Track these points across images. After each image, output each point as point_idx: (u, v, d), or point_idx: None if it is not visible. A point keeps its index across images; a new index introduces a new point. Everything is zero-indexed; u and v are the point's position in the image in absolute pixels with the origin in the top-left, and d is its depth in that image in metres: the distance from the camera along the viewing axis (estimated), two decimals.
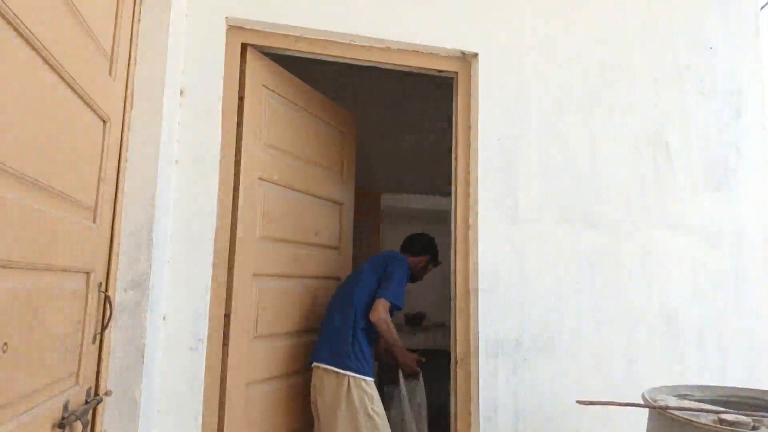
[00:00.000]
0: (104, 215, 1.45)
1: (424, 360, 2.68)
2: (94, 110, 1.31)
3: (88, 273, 1.36)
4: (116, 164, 1.53)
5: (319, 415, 2.33)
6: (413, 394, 2.61)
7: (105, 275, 1.56)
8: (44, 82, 1.05)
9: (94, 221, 1.39)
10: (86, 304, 1.36)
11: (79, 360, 1.33)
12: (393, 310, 2.43)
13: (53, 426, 1.17)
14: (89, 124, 1.30)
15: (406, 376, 2.62)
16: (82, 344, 1.34)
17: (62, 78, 1.12)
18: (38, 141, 1.03)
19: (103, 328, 1.47)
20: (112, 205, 1.56)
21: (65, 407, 1.22)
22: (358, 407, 2.23)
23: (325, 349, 2.35)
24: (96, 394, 1.45)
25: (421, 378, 2.65)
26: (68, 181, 1.18)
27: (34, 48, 0.99)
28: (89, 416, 1.34)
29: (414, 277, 2.73)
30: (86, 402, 1.34)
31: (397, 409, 2.57)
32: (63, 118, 1.14)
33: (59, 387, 1.21)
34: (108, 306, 1.48)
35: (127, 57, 1.57)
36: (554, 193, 2.35)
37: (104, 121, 1.40)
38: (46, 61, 1.04)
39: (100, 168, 1.39)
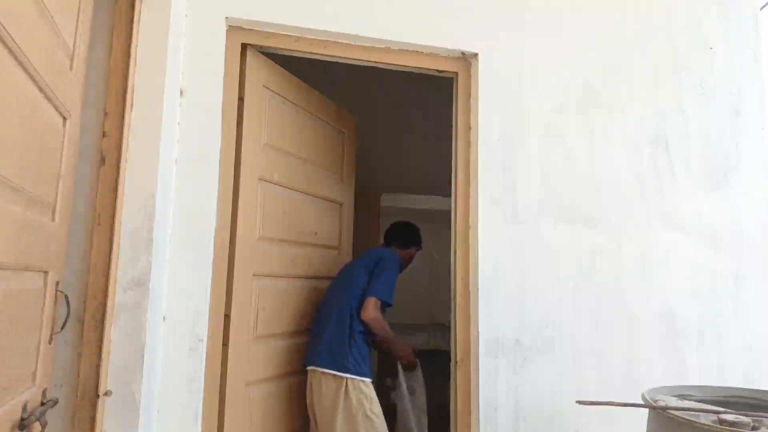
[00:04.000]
0: (63, 213, 1.41)
1: (416, 345, 2.74)
2: (54, 106, 1.28)
3: (45, 272, 1.33)
4: (75, 161, 1.48)
5: (317, 418, 2.33)
6: (412, 384, 2.65)
7: (105, 275, 1.56)
8: (8, 74, 1.01)
9: (53, 219, 1.35)
10: (44, 303, 1.33)
11: (36, 360, 1.30)
12: (384, 306, 2.43)
13: (13, 427, 1.15)
14: (49, 120, 1.27)
15: (405, 368, 2.65)
16: (39, 344, 1.31)
17: (26, 71, 1.08)
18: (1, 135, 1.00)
19: (62, 327, 1.43)
20: (113, 205, 1.56)
21: (24, 408, 1.20)
22: (356, 409, 2.23)
23: (323, 352, 2.34)
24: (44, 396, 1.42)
25: (419, 368, 2.69)
26: (26, 176, 1.14)
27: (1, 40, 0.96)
28: (47, 417, 1.32)
29: (402, 267, 2.74)
30: (42, 403, 1.32)
31: (400, 401, 2.61)
32: (24, 112, 1.10)
33: (19, 388, 1.19)
34: (67, 305, 1.43)
35: (86, 52, 1.52)
36: (554, 193, 2.34)
37: (64, 118, 1.37)
38: (11, 51, 1.00)
39: (60, 165, 1.36)
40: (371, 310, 2.33)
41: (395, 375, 2.65)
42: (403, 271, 2.79)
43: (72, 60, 1.39)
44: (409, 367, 2.66)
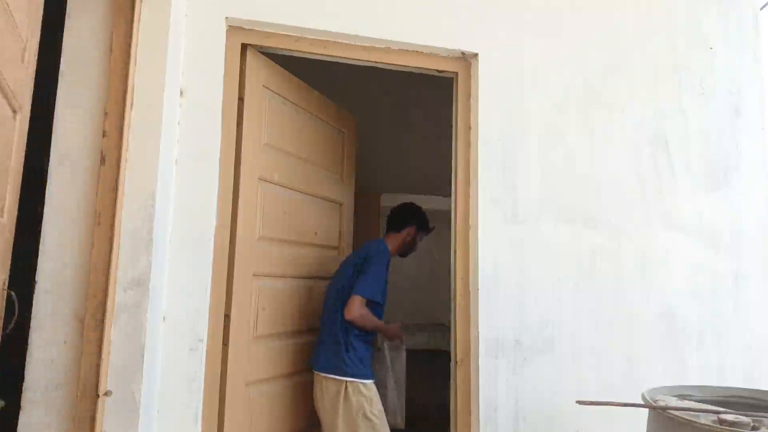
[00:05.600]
0: (11, 210, 1.38)
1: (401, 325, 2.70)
2: (6, 98, 1.24)
3: None
4: (22, 156, 1.43)
5: (321, 419, 2.33)
6: (393, 357, 2.63)
7: (105, 275, 1.55)
8: None
9: (1, 215, 1.32)
10: None
11: None
12: (377, 305, 2.37)
13: None
14: (0, 112, 1.22)
15: (391, 346, 2.64)
16: None
17: None
18: None
19: (3, 329, 1.38)
20: (113, 205, 1.56)
21: None
22: (356, 411, 2.23)
23: (322, 356, 2.34)
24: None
25: (403, 348, 2.67)
26: None
27: None
28: None
29: (406, 251, 2.66)
30: None
31: (380, 373, 2.57)
32: None
33: None
34: (14, 305, 1.39)
35: (37, 43, 1.48)
36: (554, 193, 2.34)
37: (14, 111, 1.33)
38: None
39: (10, 159, 1.33)
40: (355, 309, 2.26)
41: (381, 349, 2.63)
42: (408, 255, 2.71)
43: (24, 52, 1.35)
44: (394, 342, 2.65)
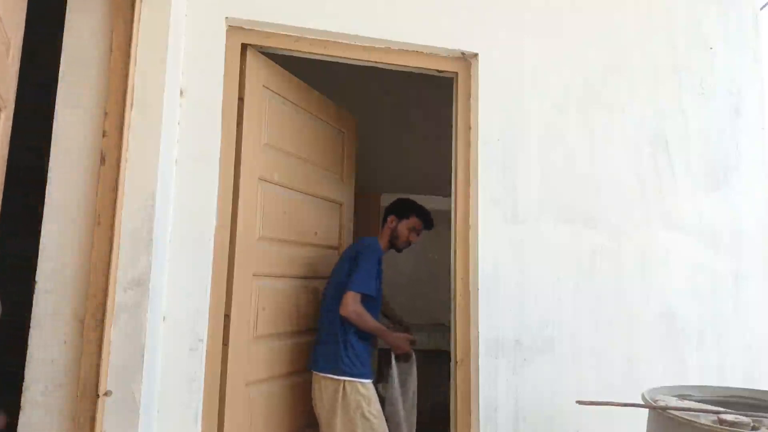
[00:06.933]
0: None
1: (416, 339, 2.60)
2: None
3: None
4: (5, 156, 1.39)
5: (320, 419, 2.33)
6: (405, 377, 2.54)
7: (105, 275, 1.55)
8: None
9: None
10: None
11: None
12: (370, 301, 2.35)
13: None
14: None
15: (398, 359, 2.55)
16: None
17: None
18: None
19: None
20: (113, 205, 1.56)
21: None
22: (354, 411, 2.23)
23: (320, 355, 2.34)
24: None
25: (413, 360, 2.57)
26: None
27: None
28: None
29: (394, 242, 2.62)
30: None
31: (390, 393, 2.50)
32: None
33: None
34: None
35: (21, 41, 1.44)
36: (554, 193, 2.34)
37: None
38: None
39: None
40: (349, 305, 2.26)
41: (388, 366, 2.56)
42: (403, 249, 2.67)
43: (8, 49, 1.34)
44: (403, 358, 2.55)
